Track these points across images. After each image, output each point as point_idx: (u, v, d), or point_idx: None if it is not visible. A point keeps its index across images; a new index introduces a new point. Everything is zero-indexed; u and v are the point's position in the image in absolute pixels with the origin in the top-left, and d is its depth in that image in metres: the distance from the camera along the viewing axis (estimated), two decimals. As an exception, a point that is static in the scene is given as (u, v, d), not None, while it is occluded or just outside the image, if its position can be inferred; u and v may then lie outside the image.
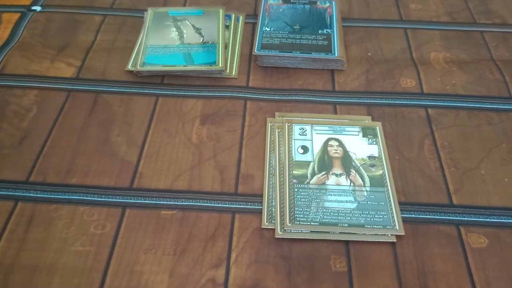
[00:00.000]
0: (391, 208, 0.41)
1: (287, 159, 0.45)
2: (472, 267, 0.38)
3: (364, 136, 0.47)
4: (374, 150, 0.46)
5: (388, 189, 0.43)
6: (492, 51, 0.58)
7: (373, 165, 0.44)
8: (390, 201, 0.42)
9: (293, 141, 0.47)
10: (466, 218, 0.42)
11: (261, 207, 0.42)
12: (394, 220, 0.41)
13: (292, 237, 0.40)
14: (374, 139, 0.47)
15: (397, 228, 0.40)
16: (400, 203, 0.42)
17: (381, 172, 0.44)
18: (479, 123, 0.50)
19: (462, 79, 0.55)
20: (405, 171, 0.45)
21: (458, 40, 0.60)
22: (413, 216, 0.42)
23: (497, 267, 0.38)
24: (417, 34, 0.61)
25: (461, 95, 0.53)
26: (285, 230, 0.40)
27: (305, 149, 0.46)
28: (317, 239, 0.40)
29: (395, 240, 0.40)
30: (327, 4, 0.63)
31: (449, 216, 0.42)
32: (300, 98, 0.52)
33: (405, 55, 0.58)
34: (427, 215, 0.42)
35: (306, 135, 0.47)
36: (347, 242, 0.40)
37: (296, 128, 0.48)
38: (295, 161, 0.45)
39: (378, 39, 0.60)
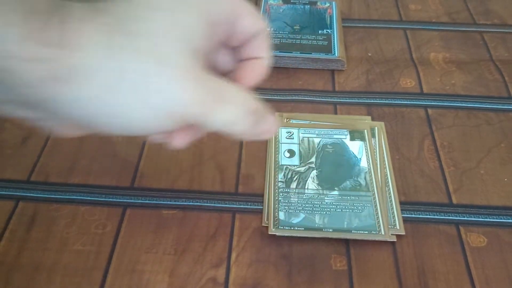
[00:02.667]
0: (392, 208, 0.42)
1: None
2: (471, 266, 0.38)
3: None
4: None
5: (389, 189, 0.43)
6: (492, 51, 0.59)
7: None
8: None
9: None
10: (465, 218, 0.42)
11: (261, 207, 0.42)
12: (394, 220, 0.41)
13: (290, 235, 0.40)
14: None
15: (398, 227, 0.40)
16: (400, 203, 0.42)
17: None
18: (479, 123, 0.50)
19: (462, 79, 0.55)
20: (405, 170, 0.45)
21: (458, 40, 0.60)
22: (413, 215, 0.42)
23: (496, 266, 0.39)
24: (416, 35, 0.61)
25: (460, 95, 0.53)
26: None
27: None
28: (317, 238, 0.40)
29: (395, 240, 0.40)
30: (327, 5, 0.63)
31: (449, 216, 0.42)
32: (300, 98, 0.52)
33: (405, 56, 0.58)
34: (427, 214, 0.42)
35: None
36: (347, 242, 0.40)
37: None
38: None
39: (378, 39, 0.60)
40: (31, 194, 0.43)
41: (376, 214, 0.41)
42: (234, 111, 0.30)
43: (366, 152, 0.46)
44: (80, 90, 0.26)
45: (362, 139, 0.47)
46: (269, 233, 0.40)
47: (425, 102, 0.52)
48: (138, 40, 0.27)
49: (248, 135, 0.32)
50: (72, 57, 0.26)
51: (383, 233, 0.40)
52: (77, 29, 0.26)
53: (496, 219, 0.42)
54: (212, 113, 0.29)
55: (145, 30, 0.27)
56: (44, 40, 0.25)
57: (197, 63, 0.29)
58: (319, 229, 0.40)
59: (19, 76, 0.25)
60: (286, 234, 0.40)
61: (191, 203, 0.42)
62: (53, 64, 0.25)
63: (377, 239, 0.39)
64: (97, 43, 0.26)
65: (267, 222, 0.41)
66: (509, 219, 0.42)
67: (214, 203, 0.42)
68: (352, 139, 0.47)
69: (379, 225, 0.40)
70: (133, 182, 0.44)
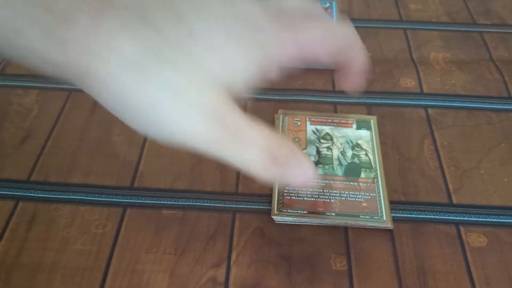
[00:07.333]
0: (380, 199, 0.42)
1: None
2: (471, 266, 0.38)
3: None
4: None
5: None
6: (492, 51, 0.59)
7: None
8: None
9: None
10: (465, 218, 0.42)
11: (261, 207, 0.42)
12: (382, 211, 0.41)
13: (293, 221, 0.41)
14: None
15: (384, 219, 0.40)
16: (400, 203, 0.43)
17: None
18: (479, 123, 0.50)
19: (462, 79, 0.55)
20: (405, 171, 0.45)
21: (458, 40, 0.60)
22: (413, 215, 0.42)
23: (496, 266, 0.39)
24: (416, 35, 0.61)
25: (460, 95, 0.53)
26: (282, 211, 0.41)
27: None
28: (318, 234, 0.40)
29: (392, 227, 0.40)
30: (327, 5, 0.63)
31: (449, 216, 0.42)
32: (300, 98, 0.52)
33: (405, 55, 0.58)
34: (427, 214, 0.42)
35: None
36: (347, 243, 0.40)
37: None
38: None
39: (378, 39, 0.60)
40: (31, 194, 0.43)
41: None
42: (249, 152, 0.29)
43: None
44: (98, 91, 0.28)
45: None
46: (275, 220, 0.41)
47: (425, 102, 0.52)
48: (176, 62, 0.27)
49: (267, 176, 0.30)
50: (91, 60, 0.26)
51: (385, 218, 0.40)
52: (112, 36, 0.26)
53: (496, 219, 0.42)
54: (228, 151, 0.28)
55: (189, 59, 0.27)
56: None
57: (224, 99, 0.28)
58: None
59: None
60: (289, 219, 0.40)
61: (191, 203, 0.42)
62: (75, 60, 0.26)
63: (379, 225, 0.40)
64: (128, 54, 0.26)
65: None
66: (509, 219, 0.42)
67: (214, 203, 0.42)
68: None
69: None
70: (133, 182, 0.44)
